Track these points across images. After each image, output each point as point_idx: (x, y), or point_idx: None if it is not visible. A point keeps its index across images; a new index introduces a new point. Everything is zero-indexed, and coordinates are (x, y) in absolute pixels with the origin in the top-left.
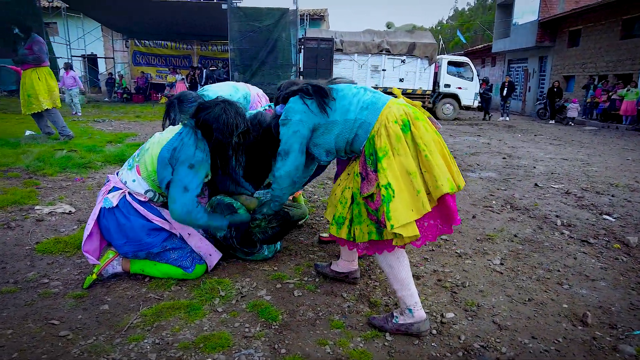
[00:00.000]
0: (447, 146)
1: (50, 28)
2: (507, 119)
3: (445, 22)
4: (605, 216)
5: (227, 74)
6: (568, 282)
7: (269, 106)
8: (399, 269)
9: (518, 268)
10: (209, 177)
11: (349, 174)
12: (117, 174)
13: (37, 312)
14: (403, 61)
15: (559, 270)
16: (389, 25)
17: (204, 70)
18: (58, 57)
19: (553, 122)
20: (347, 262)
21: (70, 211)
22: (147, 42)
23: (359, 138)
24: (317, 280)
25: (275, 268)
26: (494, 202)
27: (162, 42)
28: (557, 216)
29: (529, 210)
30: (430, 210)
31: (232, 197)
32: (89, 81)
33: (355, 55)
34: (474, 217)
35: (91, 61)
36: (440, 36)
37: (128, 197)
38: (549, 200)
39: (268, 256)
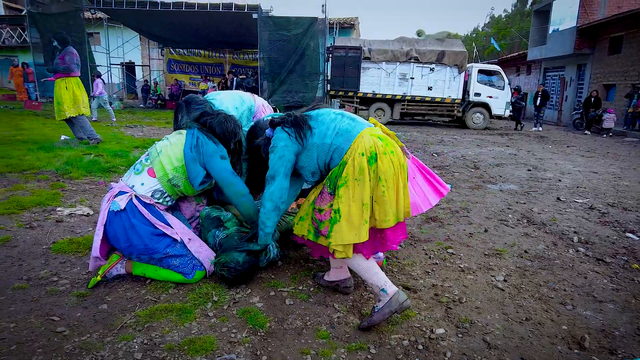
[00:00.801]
0: (472, 156)
1: (93, 38)
2: (540, 129)
3: (480, 30)
4: (628, 234)
5: (256, 82)
6: (572, 302)
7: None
8: (365, 265)
9: (521, 285)
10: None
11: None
12: (121, 180)
13: (41, 308)
14: (432, 69)
15: (565, 290)
16: (419, 33)
17: (234, 79)
18: (98, 65)
19: (589, 133)
20: (336, 269)
21: (88, 213)
22: (181, 50)
23: (334, 161)
24: (311, 289)
25: (273, 276)
26: (510, 215)
27: (196, 50)
28: (575, 232)
29: (545, 225)
30: (367, 239)
31: (223, 208)
32: (126, 88)
33: (383, 63)
34: (485, 230)
35: (129, 69)
36: (474, 44)
37: (135, 200)
38: (569, 215)
39: (259, 265)
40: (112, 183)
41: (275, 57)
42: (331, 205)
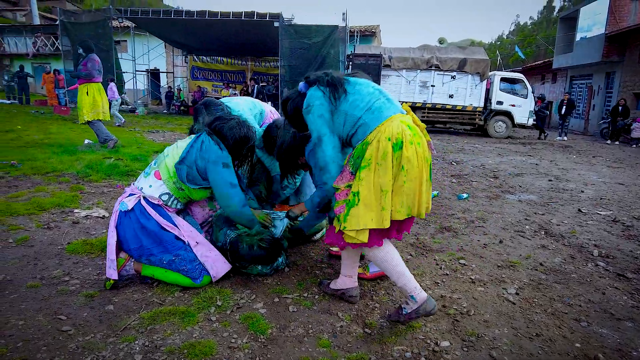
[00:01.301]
0: (492, 165)
1: (120, 45)
2: (565, 138)
3: (505, 37)
4: None
5: (276, 89)
6: (588, 319)
7: None
8: (391, 261)
9: (534, 299)
10: None
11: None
12: (132, 184)
13: (50, 306)
14: (453, 77)
15: (580, 306)
16: (441, 41)
17: (255, 86)
18: (124, 72)
19: (618, 142)
20: (346, 278)
21: (104, 215)
22: (204, 57)
23: (356, 136)
24: (316, 297)
25: (278, 282)
26: (527, 226)
27: (219, 58)
28: (595, 246)
29: (564, 237)
30: (388, 227)
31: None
32: (150, 94)
33: (404, 71)
34: (501, 241)
35: (154, 75)
36: (498, 52)
37: (143, 201)
38: (590, 227)
39: (264, 272)
40: (126, 188)
41: (296, 65)
42: (349, 185)
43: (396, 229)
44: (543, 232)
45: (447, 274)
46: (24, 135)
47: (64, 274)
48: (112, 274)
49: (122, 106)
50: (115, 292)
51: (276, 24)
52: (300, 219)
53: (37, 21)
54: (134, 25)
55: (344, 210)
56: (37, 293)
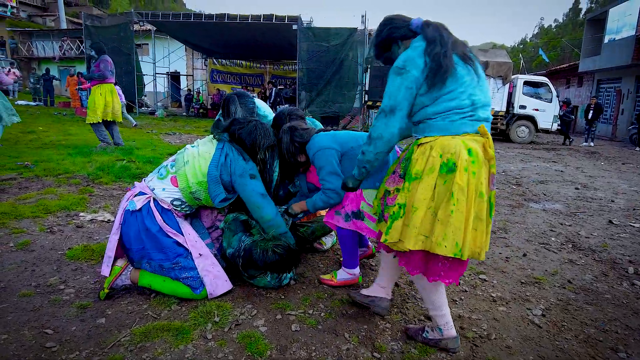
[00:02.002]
0: (515, 171)
1: (142, 48)
2: (592, 144)
3: (528, 40)
4: None
5: (294, 92)
6: (627, 349)
7: None
8: (432, 292)
9: (563, 323)
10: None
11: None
12: (144, 180)
13: (39, 319)
14: None
15: (617, 332)
16: None
17: (273, 89)
18: (145, 74)
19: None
20: (379, 287)
21: (109, 220)
22: (223, 61)
23: (417, 132)
24: (322, 315)
25: (282, 296)
26: (553, 238)
27: (238, 61)
28: (630, 262)
29: (594, 251)
30: (410, 248)
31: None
32: (170, 96)
33: None
34: (524, 255)
35: (174, 78)
36: (521, 55)
37: (152, 203)
38: (623, 241)
39: (271, 284)
40: (135, 182)
41: (314, 68)
42: (397, 189)
43: (442, 271)
44: (570, 245)
45: (465, 291)
46: (43, 137)
47: (60, 281)
48: (106, 270)
49: (142, 108)
50: (109, 303)
51: (294, 27)
52: (301, 216)
53: (64, 26)
54: (155, 28)
55: (389, 217)
56: (29, 303)
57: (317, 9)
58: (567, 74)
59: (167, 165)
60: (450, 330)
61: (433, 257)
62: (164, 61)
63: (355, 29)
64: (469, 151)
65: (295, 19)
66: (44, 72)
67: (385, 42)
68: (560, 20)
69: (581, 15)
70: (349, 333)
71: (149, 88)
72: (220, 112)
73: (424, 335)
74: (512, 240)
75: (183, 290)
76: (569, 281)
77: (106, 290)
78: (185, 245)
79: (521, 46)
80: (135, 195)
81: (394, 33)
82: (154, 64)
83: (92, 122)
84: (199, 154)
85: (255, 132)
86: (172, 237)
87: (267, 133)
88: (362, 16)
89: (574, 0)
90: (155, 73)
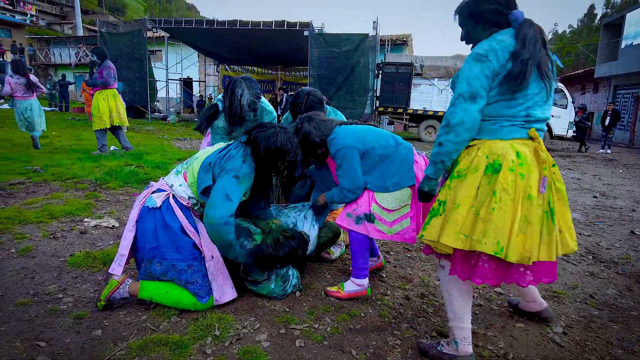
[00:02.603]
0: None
1: (155, 55)
2: (609, 151)
3: None
4: None
5: None
6: None
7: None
8: (456, 299)
9: (587, 342)
10: (247, 195)
11: None
12: (162, 179)
13: (33, 329)
14: None
15: None
16: None
17: (284, 95)
18: (157, 80)
19: None
20: (528, 304)
21: (113, 226)
22: (235, 67)
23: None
24: (328, 329)
25: (287, 309)
26: None
27: (249, 67)
28: None
29: (617, 264)
30: (446, 243)
31: (251, 222)
32: (183, 102)
33: (436, 79)
34: None
35: (187, 84)
36: None
37: (171, 200)
38: None
39: (275, 292)
40: (152, 182)
41: (325, 74)
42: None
43: (489, 272)
44: (591, 257)
45: (480, 305)
46: (55, 141)
47: (59, 290)
48: (117, 269)
49: (155, 114)
50: (107, 314)
51: (306, 33)
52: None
53: (80, 33)
54: (168, 35)
55: (426, 217)
56: (24, 312)
57: (329, 16)
58: (582, 80)
59: (185, 162)
60: (467, 347)
61: (475, 257)
62: (177, 67)
63: (367, 34)
64: (517, 154)
65: (307, 25)
66: (60, 77)
67: (480, 16)
68: (575, 26)
69: (596, 21)
70: (356, 350)
71: (161, 94)
72: (219, 95)
73: (438, 348)
74: None
75: (187, 301)
76: (591, 296)
77: (102, 303)
78: (200, 247)
79: None
80: (154, 192)
81: (493, 17)
82: (167, 70)
83: (98, 129)
84: (206, 150)
85: (274, 138)
86: (191, 238)
87: (288, 141)
88: (374, 22)
89: (589, 6)
90: (168, 79)
